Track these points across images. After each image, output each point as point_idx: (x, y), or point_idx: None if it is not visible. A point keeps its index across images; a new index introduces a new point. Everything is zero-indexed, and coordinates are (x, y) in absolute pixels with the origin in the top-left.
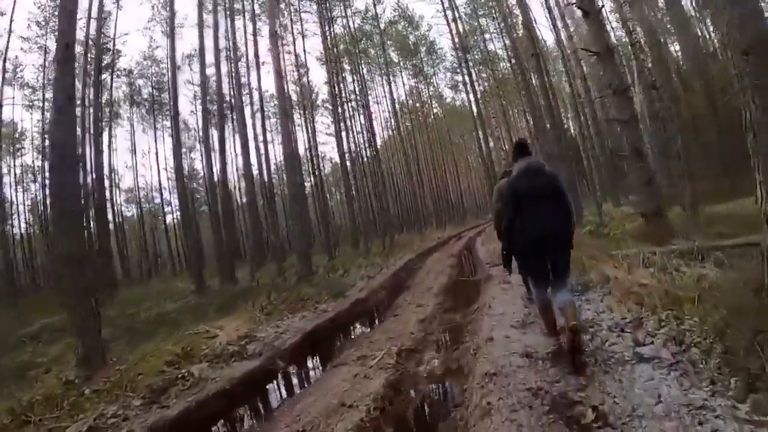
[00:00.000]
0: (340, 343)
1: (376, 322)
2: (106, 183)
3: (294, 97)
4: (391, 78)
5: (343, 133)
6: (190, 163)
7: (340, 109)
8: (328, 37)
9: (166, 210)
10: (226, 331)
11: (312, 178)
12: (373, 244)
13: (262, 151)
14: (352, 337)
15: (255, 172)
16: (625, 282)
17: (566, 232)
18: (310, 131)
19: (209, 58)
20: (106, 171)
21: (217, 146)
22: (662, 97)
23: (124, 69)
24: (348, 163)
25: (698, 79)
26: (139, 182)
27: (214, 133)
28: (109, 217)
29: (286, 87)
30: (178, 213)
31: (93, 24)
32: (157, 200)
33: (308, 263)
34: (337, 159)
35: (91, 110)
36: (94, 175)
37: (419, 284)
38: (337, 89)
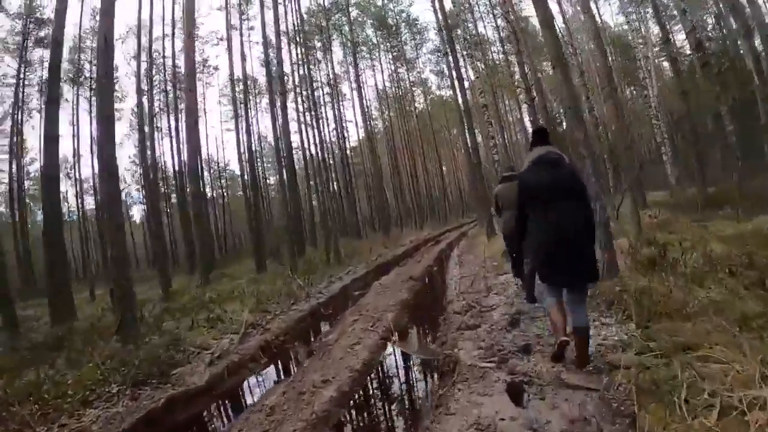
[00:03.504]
0: None
1: None
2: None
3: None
4: (371, 62)
5: (313, 122)
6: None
7: (310, 95)
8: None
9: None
10: None
11: (245, 173)
12: (320, 251)
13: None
14: None
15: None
16: None
17: (586, 237)
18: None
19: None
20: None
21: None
22: None
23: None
24: (312, 155)
25: None
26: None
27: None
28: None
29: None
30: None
31: None
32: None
33: (129, 304)
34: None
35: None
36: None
37: (320, 360)
38: (303, 72)
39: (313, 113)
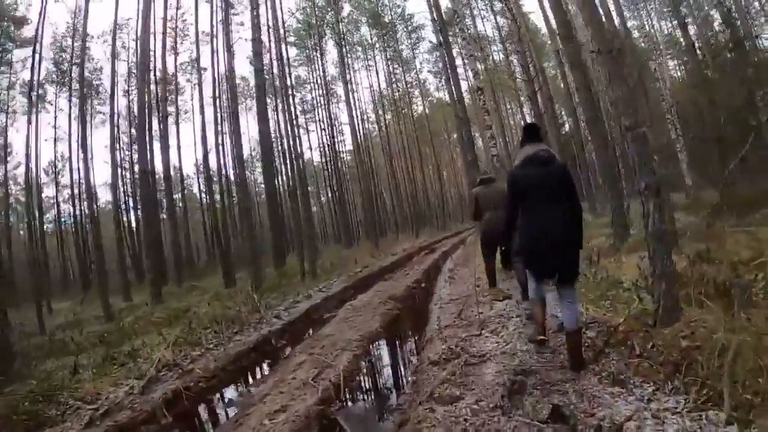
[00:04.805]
0: None
1: None
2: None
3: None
4: (366, 62)
5: (306, 124)
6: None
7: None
8: None
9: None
10: None
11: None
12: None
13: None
14: None
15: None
16: None
17: (573, 237)
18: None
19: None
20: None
21: None
22: None
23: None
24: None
25: None
26: (74, 178)
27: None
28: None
29: None
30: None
31: None
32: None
33: None
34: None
35: None
36: None
37: None
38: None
39: (307, 116)
